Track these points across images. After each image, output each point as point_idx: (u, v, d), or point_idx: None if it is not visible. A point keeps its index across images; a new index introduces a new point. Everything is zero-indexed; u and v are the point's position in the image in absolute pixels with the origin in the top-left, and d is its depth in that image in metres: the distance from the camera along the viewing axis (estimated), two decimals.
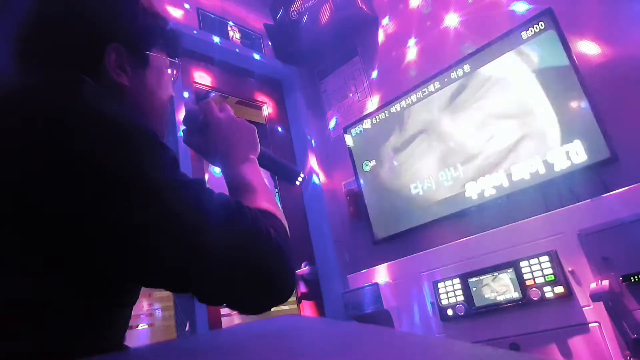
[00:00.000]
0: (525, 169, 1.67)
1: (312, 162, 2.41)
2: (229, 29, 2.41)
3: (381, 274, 1.92)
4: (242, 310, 0.54)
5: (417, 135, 2.00)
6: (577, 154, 1.56)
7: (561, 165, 1.58)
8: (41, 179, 0.42)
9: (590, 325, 1.35)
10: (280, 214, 0.60)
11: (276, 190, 2.41)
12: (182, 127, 0.73)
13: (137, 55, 0.62)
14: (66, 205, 0.42)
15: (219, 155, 0.69)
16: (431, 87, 1.98)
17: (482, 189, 1.77)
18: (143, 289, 0.59)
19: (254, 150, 0.72)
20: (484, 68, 1.82)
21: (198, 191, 0.49)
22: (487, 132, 1.78)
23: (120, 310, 0.53)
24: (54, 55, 0.55)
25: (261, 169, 0.72)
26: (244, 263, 0.48)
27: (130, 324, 0.78)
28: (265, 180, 0.67)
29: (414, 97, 2.03)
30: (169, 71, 0.68)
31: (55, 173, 0.42)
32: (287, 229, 0.59)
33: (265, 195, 0.62)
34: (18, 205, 0.42)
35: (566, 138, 1.59)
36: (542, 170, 1.63)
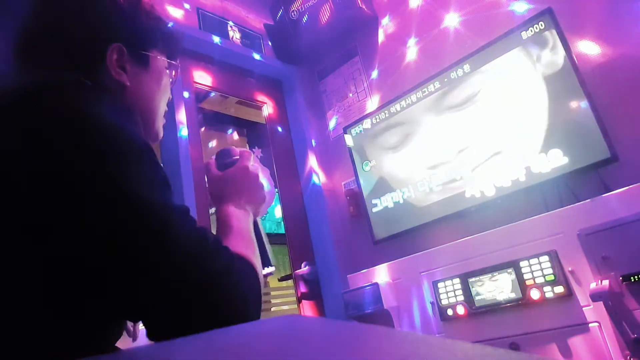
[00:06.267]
0: (525, 169, 1.67)
1: (312, 162, 2.41)
2: (229, 29, 2.41)
3: (381, 274, 1.92)
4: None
5: (417, 135, 2.00)
6: (577, 154, 1.56)
7: (561, 165, 1.58)
8: (33, 185, 0.43)
9: (590, 325, 1.35)
10: (257, 264, 0.59)
11: (276, 189, 2.40)
12: (213, 157, 0.74)
13: (138, 56, 0.62)
14: (53, 213, 0.43)
15: (223, 195, 0.68)
16: (431, 87, 1.97)
17: (482, 189, 1.77)
18: None
19: (254, 210, 0.71)
20: (484, 68, 1.82)
21: (180, 217, 0.48)
22: (487, 131, 1.78)
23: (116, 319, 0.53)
24: (57, 54, 0.56)
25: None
26: (205, 299, 0.46)
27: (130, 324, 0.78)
28: (253, 234, 0.66)
29: (413, 97, 2.03)
30: (168, 73, 0.69)
31: (44, 180, 0.43)
32: (261, 279, 0.58)
33: (248, 244, 0.62)
34: (13, 210, 0.43)
35: (566, 138, 1.59)
36: (542, 170, 1.63)
